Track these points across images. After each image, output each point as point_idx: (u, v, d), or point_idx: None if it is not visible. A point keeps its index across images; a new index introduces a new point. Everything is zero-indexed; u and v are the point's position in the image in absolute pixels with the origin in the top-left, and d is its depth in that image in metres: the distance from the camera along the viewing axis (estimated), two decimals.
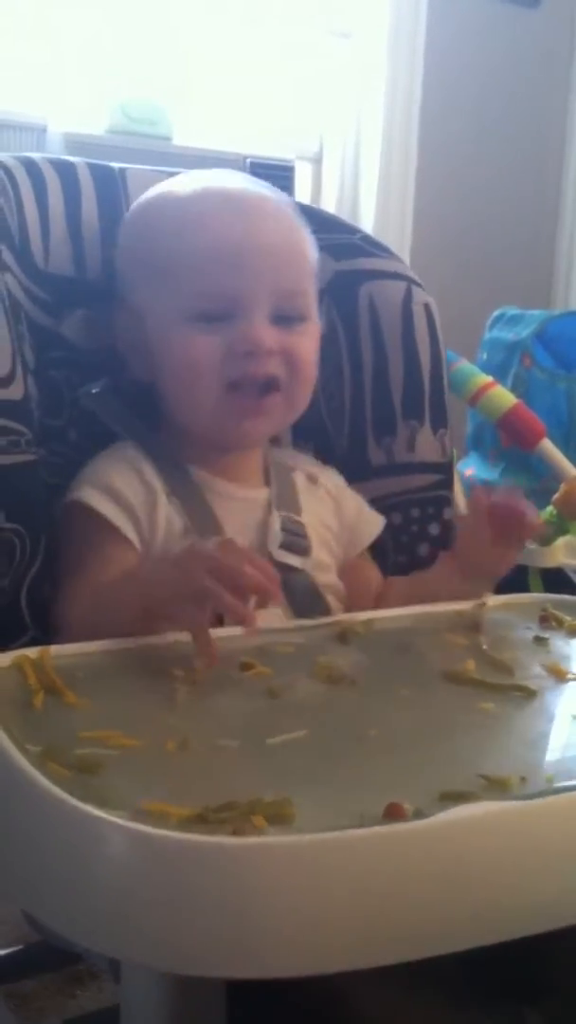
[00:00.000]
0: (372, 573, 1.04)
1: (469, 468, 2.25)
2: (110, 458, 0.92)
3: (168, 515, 0.89)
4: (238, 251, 0.88)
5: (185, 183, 0.94)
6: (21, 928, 0.95)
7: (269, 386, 0.90)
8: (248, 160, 2.28)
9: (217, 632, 0.76)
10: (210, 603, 0.74)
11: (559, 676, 0.78)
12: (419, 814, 0.54)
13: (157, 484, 0.90)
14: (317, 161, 2.80)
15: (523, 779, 0.59)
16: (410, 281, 1.09)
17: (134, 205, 0.97)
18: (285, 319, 0.90)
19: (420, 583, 1.01)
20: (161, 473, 0.91)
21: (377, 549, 1.05)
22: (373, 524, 1.03)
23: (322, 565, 0.96)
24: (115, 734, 0.62)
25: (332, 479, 1.03)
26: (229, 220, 0.89)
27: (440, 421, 1.08)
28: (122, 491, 0.88)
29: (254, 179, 0.97)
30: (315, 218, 1.07)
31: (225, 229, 0.89)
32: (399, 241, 2.72)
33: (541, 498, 1.83)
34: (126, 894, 0.52)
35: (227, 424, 0.90)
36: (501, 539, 0.95)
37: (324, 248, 1.02)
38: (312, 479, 1.00)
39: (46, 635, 0.84)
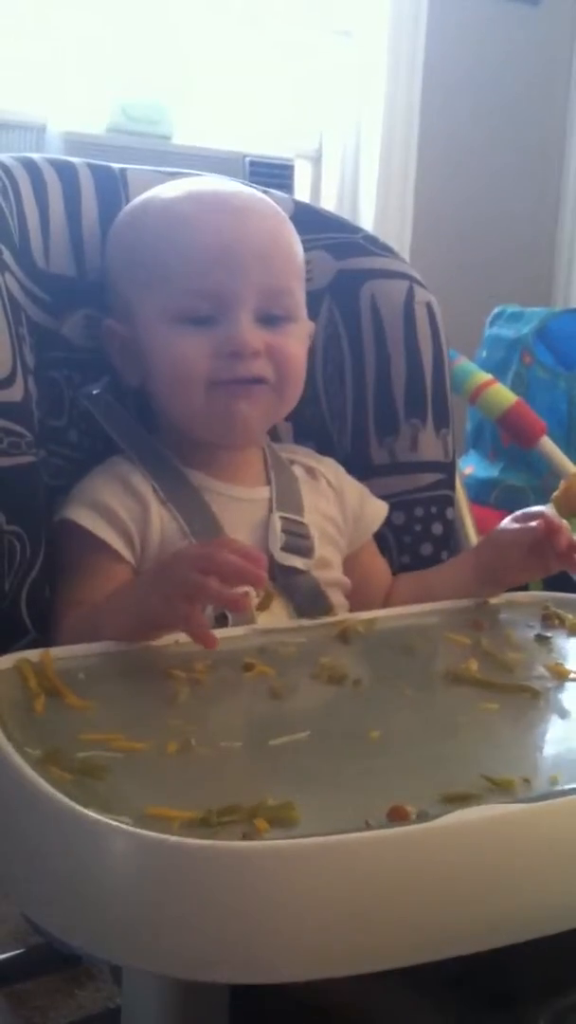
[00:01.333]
0: (380, 565, 1.04)
1: (469, 466, 2.25)
2: (99, 475, 0.91)
3: (163, 522, 0.89)
4: (223, 250, 0.88)
5: (171, 187, 0.94)
6: (21, 928, 0.95)
7: (256, 383, 0.89)
8: (248, 159, 2.27)
9: (218, 633, 0.76)
10: (200, 598, 0.73)
11: (561, 676, 0.78)
12: (423, 816, 0.54)
13: (148, 493, 0.89)
14: (317, 160, 2.80)
15: (526, 780, 0.59)
16: (412, 280, 1.08)
17: (122, 210, 0.96)
18: (271, 319, 0.90)
19: (431, 581, 1.01)
20: (155, 480, 0.90)
21: (380, 549, 1.05)
22: (378, 510, 1.03)
23: (326, 562, 0.95)
24: (117, 737, 0.61)
25: (332, 469, 1.02)
26: (214, 219, 0.89)
27: (442, 420, 1.08)
28: (110, 506, 0.88)
29: (241, 182, 0.97)
30: (317, 217, 1.07)
31: (209, 228, 0.88)
32: (399, 239, 2.71)
33: (541, 496, 1.83)
34: (130, 900, 0.51)
35: (218, 415, 0.89)
36: (535, 559, 0.95)
37: (326, 247, 1.02)
38: (311, 471, 1.00)
39: (47, 637, 0.84)
